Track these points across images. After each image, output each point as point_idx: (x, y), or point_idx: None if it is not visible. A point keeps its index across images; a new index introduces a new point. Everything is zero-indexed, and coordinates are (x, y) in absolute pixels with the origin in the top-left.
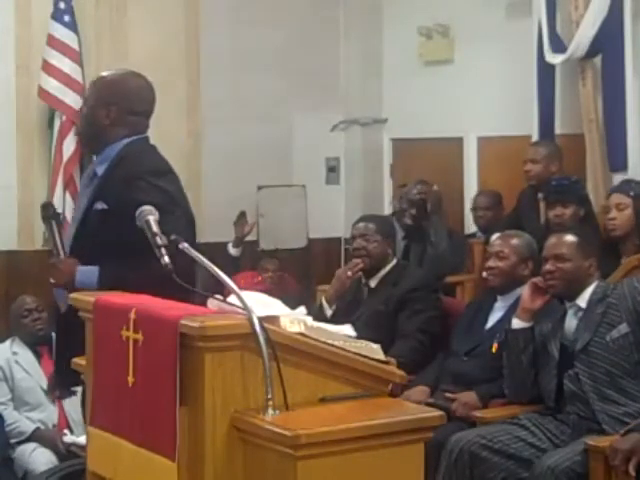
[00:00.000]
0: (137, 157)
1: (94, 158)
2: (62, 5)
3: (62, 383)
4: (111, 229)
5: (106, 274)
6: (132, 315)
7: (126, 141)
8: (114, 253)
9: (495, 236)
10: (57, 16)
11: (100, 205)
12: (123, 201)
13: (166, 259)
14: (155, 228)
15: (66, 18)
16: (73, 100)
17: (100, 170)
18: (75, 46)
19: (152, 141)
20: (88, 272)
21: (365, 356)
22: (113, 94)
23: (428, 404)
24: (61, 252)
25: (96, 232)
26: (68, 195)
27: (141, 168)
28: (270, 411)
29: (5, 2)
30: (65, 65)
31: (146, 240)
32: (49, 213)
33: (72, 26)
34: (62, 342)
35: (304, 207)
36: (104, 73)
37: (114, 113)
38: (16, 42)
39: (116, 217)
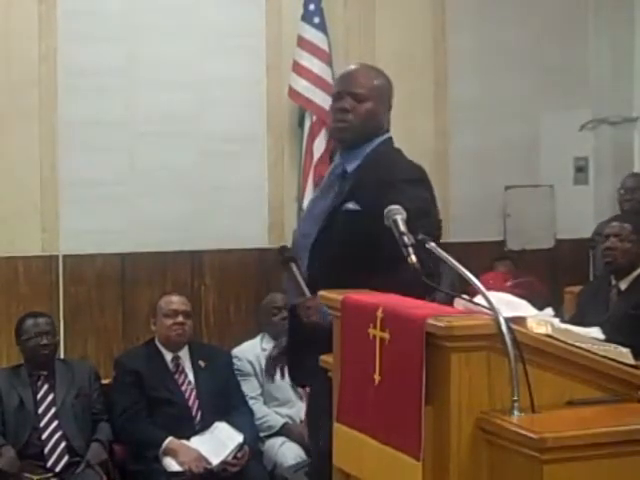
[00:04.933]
0: (392, 160)
1: (337, 156)
2: (312, 7)
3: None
4: (360, 230)
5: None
6: (379, 314)
7: (378, 140)
8: (358, 255)
9: None
10: (307, 18)
11: (352, 205)
12: (378, 204)
13: (413, 258)
14: (403, 227)
15: (316, 20)
16: (323, 100)
17: (350, 168)
18: (324, 47)
19: (398, 140)
20: None
21: (613, 360)
22: (390, 90)
23: None
24: (306, 291)
25: (342, 232)
26: None
27: (400, 174)
28: (516, 413)
29: (257, 6)
30: (315, 65)
31: (395, 243)
32: (287, 255)
33: (322, 27)
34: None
35: (552, 207)
36: (364, 66)
37: (387, 110)
38: (267, 44)
39: (368, 219)
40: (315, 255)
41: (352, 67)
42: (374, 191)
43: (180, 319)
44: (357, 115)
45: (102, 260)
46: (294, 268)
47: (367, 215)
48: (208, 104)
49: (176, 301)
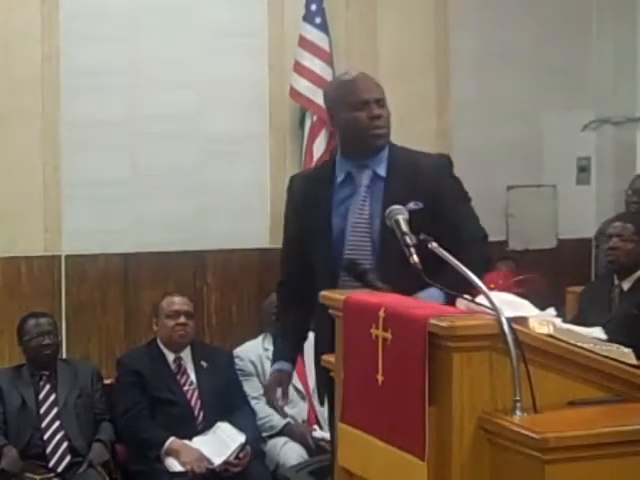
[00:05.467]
0: (414, 155)
1: (344, 164)
2: (313, 7)
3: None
4: (426, 228)
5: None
6: (381, 314)
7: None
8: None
9: None
10: (308, 18)
11: (414, 205)
12: (438, 199)
13: (415, 258)
14: (405, 227)
15: (317, 20)
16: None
17: (381, 171)
18: (326, 47)
19: (399, 139)
20: (430, 294)
21: (616, 360)
22: None
23: None
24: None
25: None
26: None
27: (438, 167)
28: (518, 413)
29: (259, 6)
30: (316, 66)
31: (451, 236)
32: (359, 271)
33: (323, 27)
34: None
35: (554, 207)
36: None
37: None
38: (269, 44)
39: (430, 216)
40: (387, 263)
41: (361, 74)
42: (431, 185)
43: (182, 320)
44: (387, 120)
45: (104, 260)
46: (370, 275)
47: (428, 212)
48: (210, 104)
49: (178, 302)
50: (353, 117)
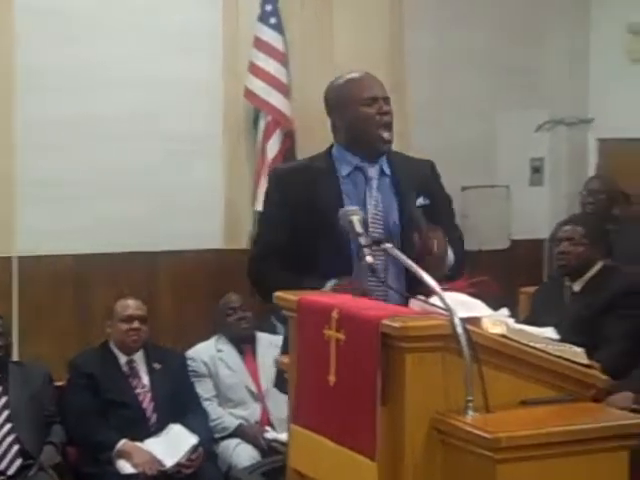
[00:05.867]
0: (409, 158)
1: (347, 156)
2: (268, 7)
3: None
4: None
5: None
6: (335, 314)
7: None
8: None
9: None
10: (264, 18)
11: (422, 200)
12: (440, 196)
13: (369, 259)
14: (359, 228)
15: (272, 20)
16: (278, 101)
17: (386, 168)
18: (281, 47)
19: None
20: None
21: (567, 359)
22: None
23: (633, 410)
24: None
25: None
26: None
27: (428, 166)
28: (470, 413)
29: (213, 7)
30: (271, 66)
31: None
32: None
33: (278, 28)
34: None
35: (507, 208)
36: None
37: None
38: (224, 44)
39: (436, 211)
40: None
41: (368, 73)
42: (430, 185)
43: (136, 324)
44: (392, 117)
45: (57, 261)
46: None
47: (434, 207)
48: (164, 104)
49: (132, 306)
50: (363, 112)
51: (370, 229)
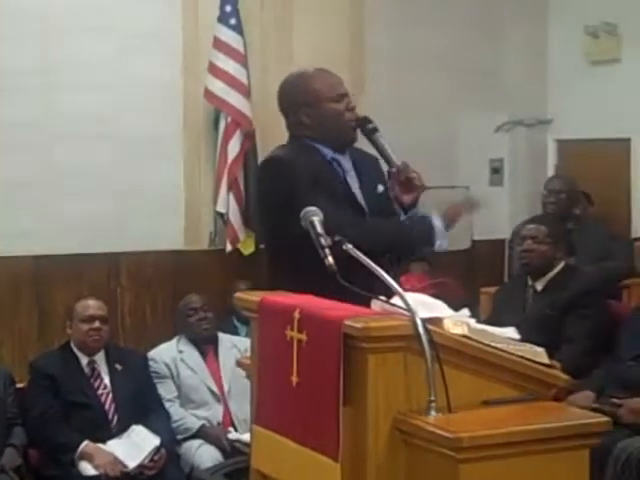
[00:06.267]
0: (357, 148)
1: (325, 150)
2: (228, 8)
3: None
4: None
5: None
6: (296, 315)
7: None
8: None
9: None
10: (223, 19)
11: (382, 187)
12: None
13: (330, 260)
14: (320, 229)
15: (232, 21)
16: (238, 101)
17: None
18: (240, 48)
19: None
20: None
21: (529, 359)
22: None
23: (594, 409)
24: (395, 160)
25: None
26: (232, 196)
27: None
28: (432, 413)
29: (172, 7)
30: (230, 67)
31: None
32: (371, 126)
33: (238, 28)
34: None
35: None
36: None
37: None
38: (183, 45)
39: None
40: None
41: (323, 70)
42: (379, 174)
43: (97, 325)
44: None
45: (15, 262)
46: (379, 139)
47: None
48: (124, 105)
49: (93, 306)
50: (333, 109)
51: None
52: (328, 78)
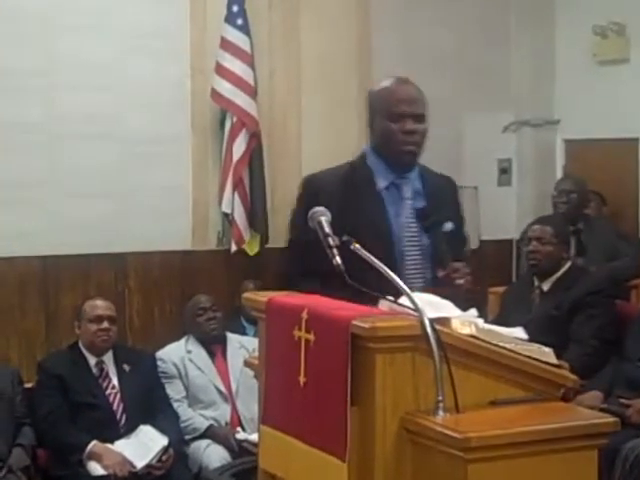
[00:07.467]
0: (437, 176)
1: (381, 168)
2: (235, 9)
3: None
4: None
5: None
6: (304, 315)
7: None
8: None
9: None
10: (230, 19)
11: (451, 225)
12: (460, 222)
13: (338, 260)
14: (327, 229)
15: (239, 21)
16: (244, 102)
17: (419, 186)
18: (247, 49)
19: (325, 141)
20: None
21: (537, 359)
22: None
23: (602, 410)
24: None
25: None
26: (237, 195)
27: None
28: (440, 413)
29: (180, 7)
30: (237, 67)
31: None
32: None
33: (245, 29)
34: None
35: (476, 209)
36: (412, 83)
37: None
38: (191, 46)
39: (461, 236)
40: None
41: (408, 85)
42: (454, 211)
43: (105, 325)
44: (422, 137)
45: (24, 263)
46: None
47: (459, 232)
48: (131, 105)
49: (101, 306)
50: (386, 127)
51: (406, 246)
52: (396, 93)
